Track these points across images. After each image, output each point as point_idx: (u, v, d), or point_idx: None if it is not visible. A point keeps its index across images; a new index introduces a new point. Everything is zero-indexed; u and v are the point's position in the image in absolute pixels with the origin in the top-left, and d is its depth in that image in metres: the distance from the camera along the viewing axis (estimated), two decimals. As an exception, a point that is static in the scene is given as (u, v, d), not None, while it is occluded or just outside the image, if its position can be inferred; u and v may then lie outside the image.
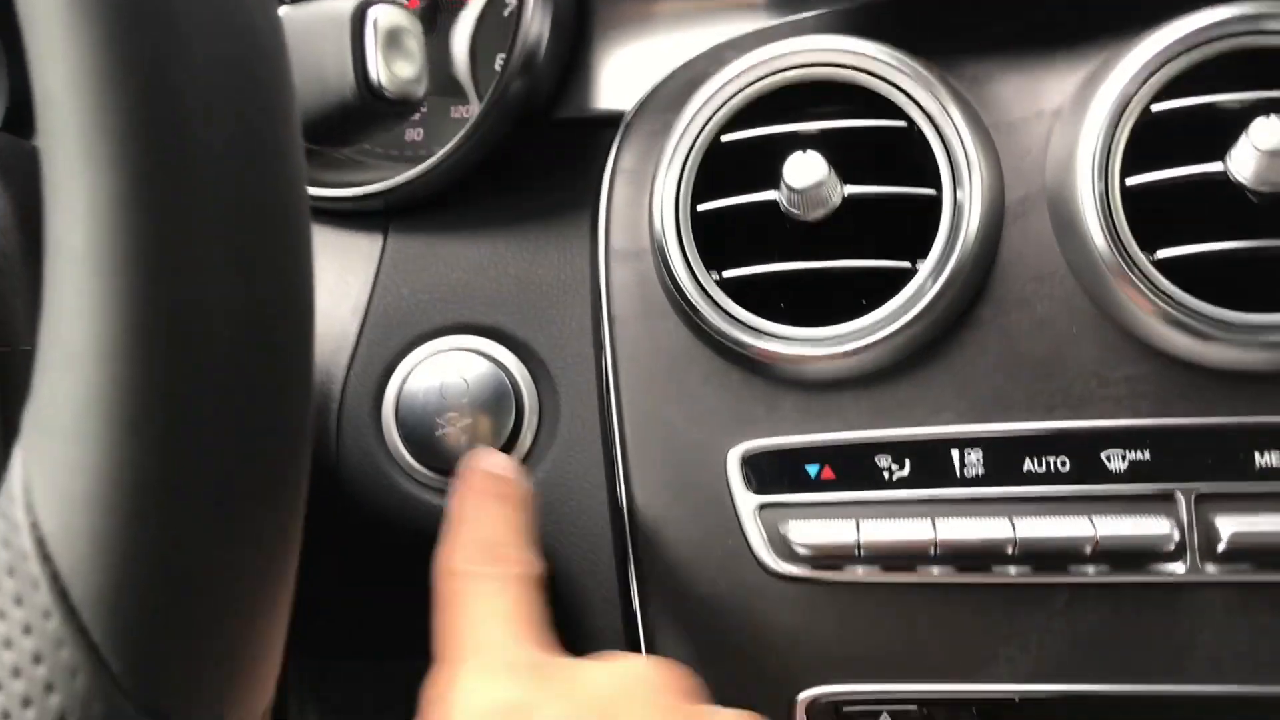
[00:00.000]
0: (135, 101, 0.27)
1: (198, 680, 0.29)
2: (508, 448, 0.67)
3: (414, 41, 0.47)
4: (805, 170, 0.56)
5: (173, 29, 0.28)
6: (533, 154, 0.71)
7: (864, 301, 0.58)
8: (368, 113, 0.46)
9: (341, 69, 0.45)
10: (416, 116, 0.77)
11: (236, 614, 0.30)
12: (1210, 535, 0.55)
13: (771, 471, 0.59)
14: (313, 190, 0.69)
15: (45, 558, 0.27)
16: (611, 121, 0.68)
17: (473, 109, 0.76)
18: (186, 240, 0.28)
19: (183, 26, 0.28)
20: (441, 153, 0.67)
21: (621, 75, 0.71)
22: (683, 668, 0.49)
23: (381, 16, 0.45)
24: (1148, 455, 0.56)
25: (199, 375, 0.28)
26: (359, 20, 0.45)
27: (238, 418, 0.30)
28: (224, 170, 0.29)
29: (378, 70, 0.45)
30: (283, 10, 0.47)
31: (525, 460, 0.68)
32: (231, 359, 0.29)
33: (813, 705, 0.58)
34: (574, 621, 0.67)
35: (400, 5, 0.52)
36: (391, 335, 0.69)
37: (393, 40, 0.46)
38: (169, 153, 0.28)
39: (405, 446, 0.68)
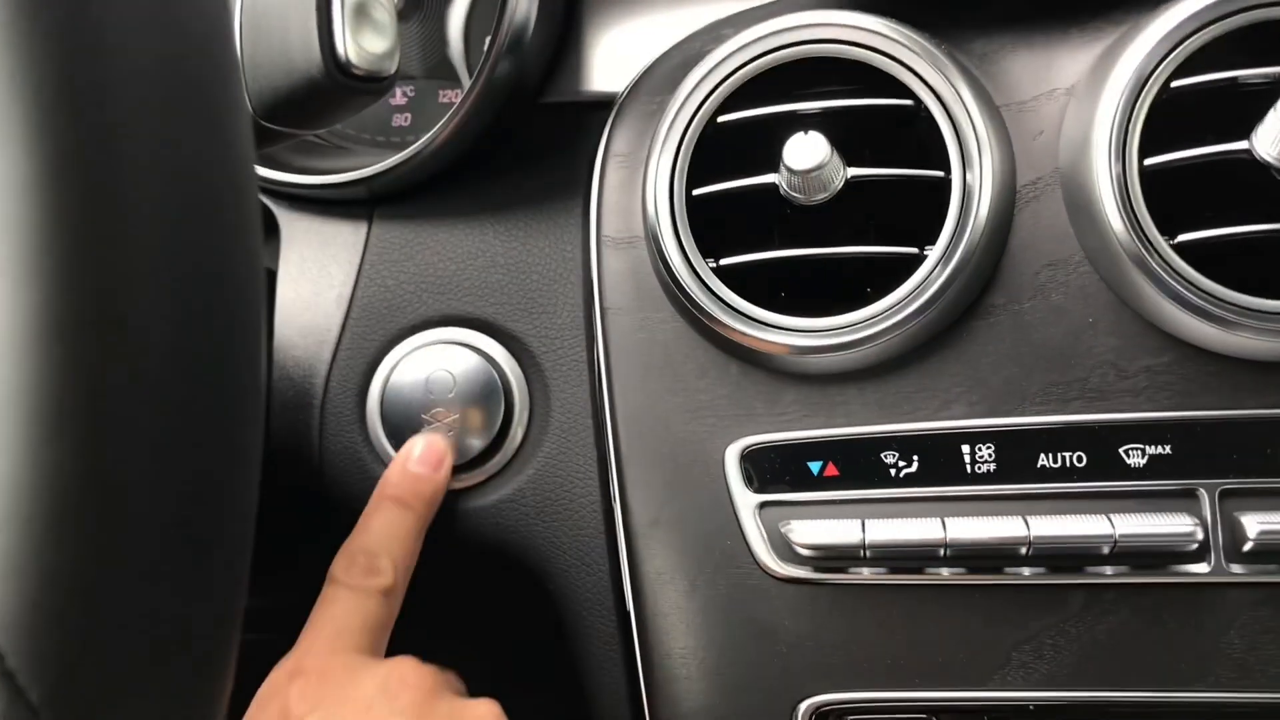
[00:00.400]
0: (50, 70, 0.24)
1: (126, 711, 0.26)
2: (497, 444, 0.65)
3: (384, 14, 0.44)
4: (807, 152, 0.53)
5: None
6: (522, 139, 0.69)
7: (869, 290, 0.55)
8: (337, 91, 0.43)
9: (307, 45, 0.42)
10: (403, 101, 0.75)
11: (173, 639, 0.27)
12: (1235, 534, 0.52)
13: (772, 468, 0.56)
14: (294, 177, 0.67)
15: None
16: (604, 104, 0.66)
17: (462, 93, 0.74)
18: (111, 222, 0.25)
19: None
20: (426, 138, 0.64)
21: (614, 56, 0.68)
22: (437, 666, 0.57)
23: (350, -14, 0.42)
24: (1169, 450, 0.53)
25: (127, 375, 0.26)
26: (326, -9, 0.42)
27: (172, 421, 0.27)
28: (155, 143, 0.26)
29: (345, 45, 0.42)
30: (246, -20, 0.45)
31: (515, 457, 0.65)
32: (166, 356, 0.27)
33: (816, 714, 0.55)
34: (567, 620, 0.65)
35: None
36: (376, 327, 0.67)
37: (361, 13, 0.43)
38: (91, 128, 0.25)
39: (390, 444, 0.66)
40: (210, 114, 0.28)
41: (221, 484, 0.29)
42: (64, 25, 0.25)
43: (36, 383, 0.24)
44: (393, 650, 0.58)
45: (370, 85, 0.44)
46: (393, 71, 0.45)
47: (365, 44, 0.43)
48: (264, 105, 0.44)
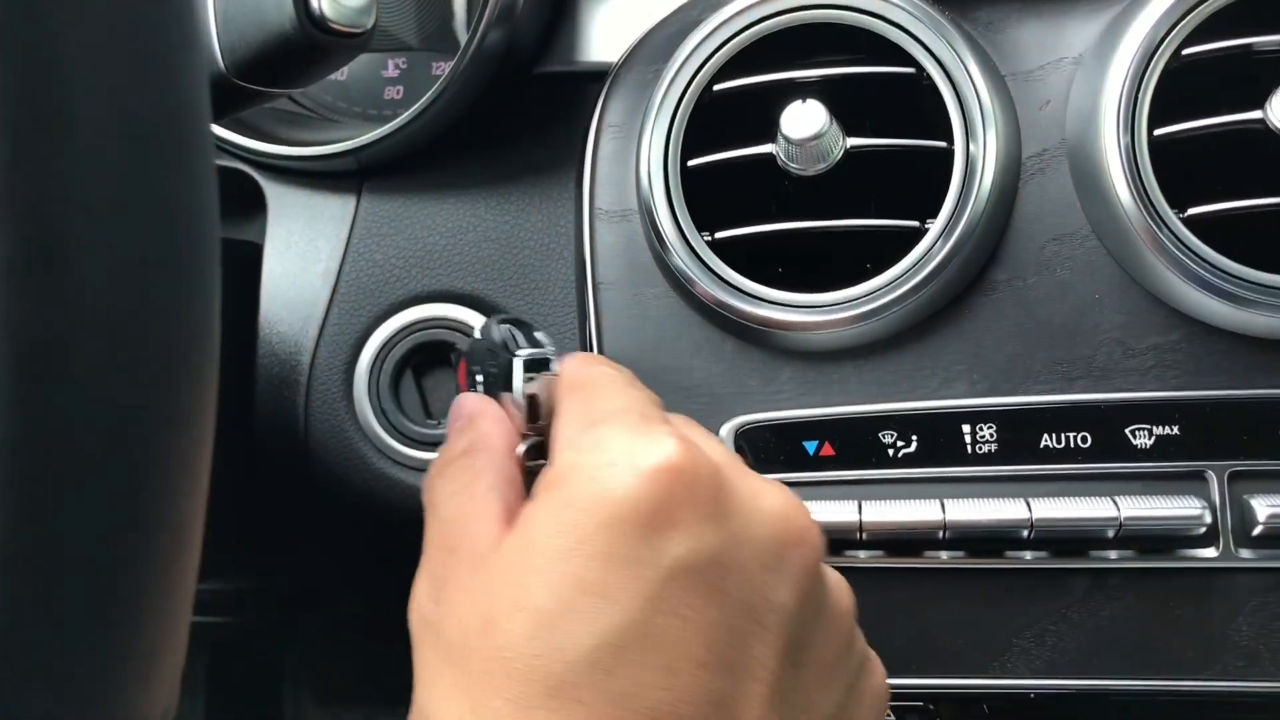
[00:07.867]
0: None
1: (61, 680, 0.25)
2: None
3: (361, -34, 0.42)
4: (804, 120, 0.52)
5: None
6: (515, 110, 0.67)
7: (869, 265, 0.54)
8: (311, 48, 0.41)
9: (280, -3, 0.40)
10: (395, 73, 0.73)
11: (112, 608, 0.26)
12: (1245, 517, 0.50)
13: (767, 448, 0.55)
14: (281, 149, 0.65)
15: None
16: (600, 74, 0.64)
17: (455, 64, 0.72)
18: (52, 175, 0.23)
19: None
20: (415, 108, 0.62)
21: (610, 25, 0.66)
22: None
23: (324, -65, 0.41)
24: (1177, 430, 0.51)
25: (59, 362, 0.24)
26: (298, -60, 0.40)
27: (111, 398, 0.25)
28: (102, 111, 0.24)
29: (319, -3, 0.41)
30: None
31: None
32: (103, 311, 0.25)
33: (811, 701, 0.54)
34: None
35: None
36: (364, 303, 0.65)
37: (336, -36, 0.41)
38: (31, 104, 0.23)
39: (377, 422, 0.64)
40: (164, 74, 0.26)
41: (168, 447, 0.27)
42: None
43: None
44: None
45: (346, 41, 0.42)
46: (370, 26, 0.44)
47: (341, -3, 0.41)
48: (237, 62, 0.43)
